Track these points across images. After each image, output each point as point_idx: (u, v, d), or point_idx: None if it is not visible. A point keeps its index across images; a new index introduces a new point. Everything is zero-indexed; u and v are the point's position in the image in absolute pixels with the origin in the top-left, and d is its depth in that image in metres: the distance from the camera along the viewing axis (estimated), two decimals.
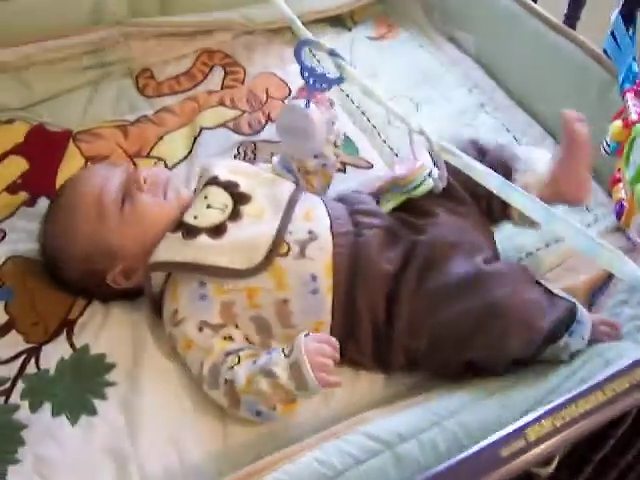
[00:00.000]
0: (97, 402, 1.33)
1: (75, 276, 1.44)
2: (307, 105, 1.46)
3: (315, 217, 1.40)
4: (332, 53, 1.36)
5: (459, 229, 1.41)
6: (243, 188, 1.42)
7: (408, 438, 1.14)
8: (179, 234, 1.35)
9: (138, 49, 1.96)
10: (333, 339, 1.25)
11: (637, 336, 1.32)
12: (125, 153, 1.74)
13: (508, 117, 1.91)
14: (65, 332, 1.43)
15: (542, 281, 1.36)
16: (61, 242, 1.42)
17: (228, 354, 1.30)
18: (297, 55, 1.43)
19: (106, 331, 1.43)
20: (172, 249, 1.36)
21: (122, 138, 1.77)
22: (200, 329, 1.33)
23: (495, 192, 1.16)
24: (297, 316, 1.34)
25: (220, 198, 1.40)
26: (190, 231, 1.35)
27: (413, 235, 1.40)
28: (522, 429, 0.87)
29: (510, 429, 0.87)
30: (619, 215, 1.53)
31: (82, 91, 1.90)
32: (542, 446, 0.86)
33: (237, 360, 1.28)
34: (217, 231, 1.35)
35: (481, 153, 1.47)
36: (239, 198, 1.40)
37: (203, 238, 1.34)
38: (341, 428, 1.20)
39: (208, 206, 1.39)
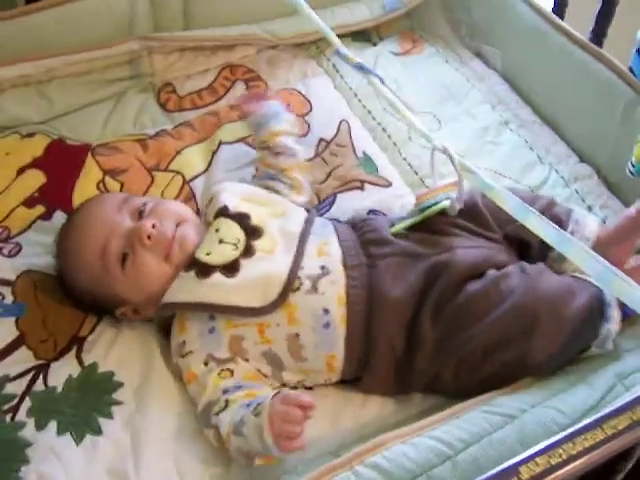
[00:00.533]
0: (103, 421, 1.33)
1: (86, 298, 1.45)
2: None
3: (328, 252, 1.39)
4: (358, 67, 1.40)
5: (482, 251, 1.40)
6: (254, 220, 1.41)
7: (418, 474, 1.12)
8: (192, 273, 1.34)
9: (160, 63, 1.95)
10: (305, 398, 1.19)
11: None
12: (143, 166, 1.74)
13: (532, 134, 1.88)
14: (75, 349, 1.43)
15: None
16: (72, 264, 1.43)
17: (225, 391, 1.29)
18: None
19: (115, 349, 1.43)
20: (186, 289, 1.35)
21: (141, 151, 1.77)
22: (206, 363, 1.32)
23: (510, 213, 1.15)
24: (309, 350, 1.33)
25: (232, 232, 1.39)
26: (203, 270, 1.34)
27: (434, 254, 1.38)
28: (515, 467, 0.84)
29: (503, 467, 0.84)
30: None
31: (103, 105, 1.90)
32: None
33: (224, 405, 1.27)
34: (231, 269, 1.34)
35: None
36: (251, 232, 1.39)
37: (217, 277, 1.33)
38: (357, 454, 1.16)
39: (220, 241, 1.38)
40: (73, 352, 1.42)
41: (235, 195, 1.46)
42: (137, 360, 1.42)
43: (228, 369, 1.32)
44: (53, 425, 1.32)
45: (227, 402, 1.27)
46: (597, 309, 1.30)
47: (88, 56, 1.86)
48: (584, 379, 1.27)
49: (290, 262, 1.35)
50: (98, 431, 1.31)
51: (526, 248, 1.44)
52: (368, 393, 1.38)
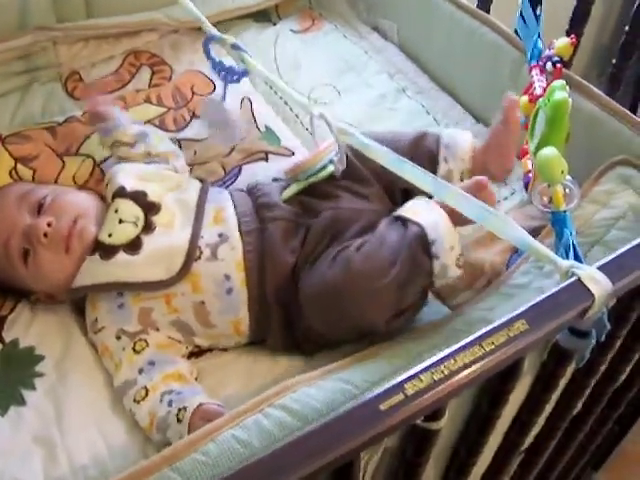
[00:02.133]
0: (26, 393, 1.37)
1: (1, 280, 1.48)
2: (223, 98, 1.51)
3: (224, 219, 1.43)
4: (235, 47, 1.41)
5: (356, 211, 1.43)
6: (151, 197, 1.44)
7: (325, 413, 1.15)
8: (97, 256, 1.38)
9: (65, 53, 1.98)
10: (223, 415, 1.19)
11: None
12: (54, 152, 1.76)
13: (429, 100, 1.96)
14: None
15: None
16: None
17: (140, 371, 1.34)
18: (205, 51, 1.47)
19: (35, 326, 1.47)
20: (92, 272, 1.39)
21: (51, 138, 1.79)
22: (118, 337, 1.37)
23: (390, 169, 1.22)
24: (215, 316, 1.38)
25: (131, 211, 1.42)
26: (107, 251, 1.38)
27: (310, 219, 1.43)
28: (401, 384, 0.90)
29: (389, 384, 0.91)
30: (527, 186, 1.58)
31: (11, 97, 1.92)
32: (420, 399, 0.90)
33: (144, 394, 1.32)
34: (133, 246, 1.38)
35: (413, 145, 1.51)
36: (149, 208, 1.42)
37: (121, 256, 1.37)
38: (265, 397, 1.20)
39: (120, 221, 1.41)
40: None
41: (130, 175, 1.49)
42: (56, 335, 1.45)
43: (142, 339, 1.37)
44: None
45: (147, 391, 1.32)
46: (419, 258, 1.29)
47: None
48: (483, 319, 1.30)
49: (189, 233, 1.40)
50: (22, 402, 1.35)
51: (408, 194, 1.45)
52: (275, 352, 1.43)
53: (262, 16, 2.24)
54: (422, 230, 1.30)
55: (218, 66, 1.51)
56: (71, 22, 1.99)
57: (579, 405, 1.41)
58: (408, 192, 1.43)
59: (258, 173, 1.69)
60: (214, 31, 1.48)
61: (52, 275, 1.42)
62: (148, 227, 1.40)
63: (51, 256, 1.40)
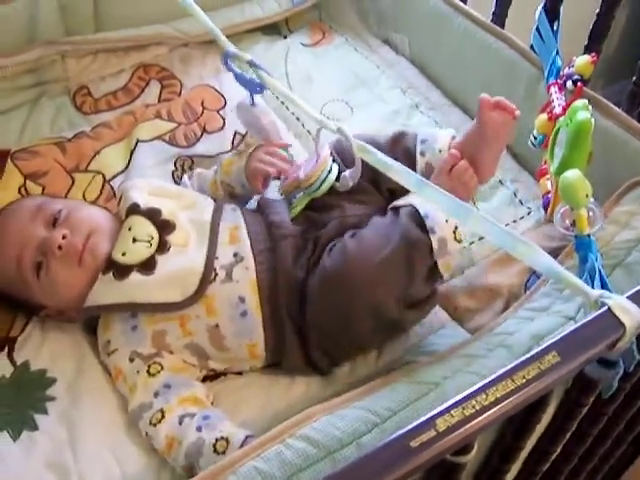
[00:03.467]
0: (38, 417, 1.35)
1: (10, 299, 1.47)
2: (252, 104, 1.56)
3: (238, 238, 1.42)
4: (251, 64, 1.40)
5: (361, 216, 1.43)
6: (165, 214, 1.42)
7: (347, 443, 1.14)
8: (110, 275, 1.36)
9: (74, 67, 1.97)
10: None
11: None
12: (64, 169, 1.75)
13: (442, 115, 1.95)
14: (6, 350, 1.44)
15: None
16: None
17: (156, 394, 1.32)
18: (226, 65, 1.47)
19: (46, 347, 1.45)
20: (105, 291, 1.37)
21: (60, 154, 1.78)
22: (131, 360, 1.35)
23: (411, 189, 1.20)
24: (229, 340, 1.36)
25: (145, 230, 1.40)
26: (121, 270, 1.36)
27: (318, 232, 1.42)
28: (432, 419, 0.89)
29: (420, 420, 0.89)
30: (546, 207, 1.56)
31: (20, 111, 1.91)
32: (452, 436, 0.88)
33: (160, 417, 1.30)
34: (147, 266, 1.36)
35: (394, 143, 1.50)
36: (163, 227, 1.40)
37: (134, 276, 1.35)
38: (285, 427, 1.18)
39: (134, 239, 1.39)
40: (5, 352, 1.43)
41: (144, 191, 1.48)
42: (69, 357, 1.43)
43: (156, 362, 1.35)
44: None
45: (163, 414, 1.30)
46: (414, 232, 1.30)
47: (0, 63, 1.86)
48: (502, 343, 1.29)
49: (204, 254, 1.38)
50: (34, 427, 1.33)
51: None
52: (292, 374, 1.41)
53: (271, 29, 2.23)
54: (412, 206, 1.33)
55: (240, 78, 1.50)
56: (80, 35, 1.98)
57: (597, 431, 1.39)
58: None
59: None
60: (231, 47, 1.46)
61: (64, 289, 1.39)
62: (163, 247, 1.38)
63: (64, 270, 1.39)
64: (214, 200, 1.52)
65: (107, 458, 1.30)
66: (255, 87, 1.51)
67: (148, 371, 1.34)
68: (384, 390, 1.25)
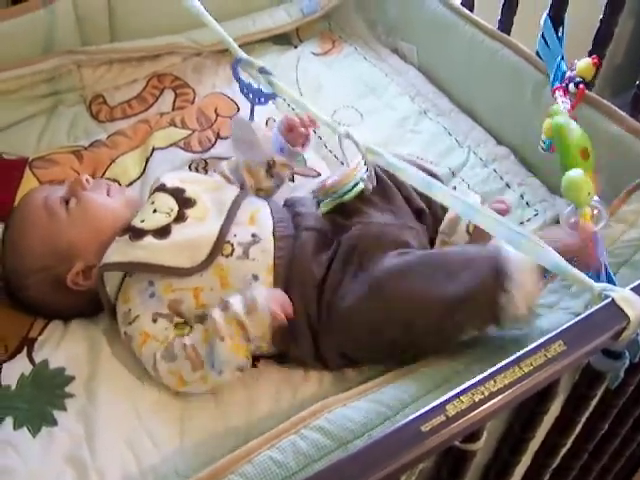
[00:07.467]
0: (57, 413, 1.37)
1: (35, 293, 1.48)
2: (251, 118, 1.52)
3: (259, 220, 1.46)
4: (262, 70, 1.43)
5: (383, 225, 1.45)
6: (189, 193, 1.47)
7: (360, 435, 1.17)
8: (126, 237, 1.41)
9: (89, 76, 2.01)
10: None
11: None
12: None
13: (451, 122, 1.97)
14: (26, 350, 1.46)
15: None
16: (17, 258, 1.47)
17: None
18: (234, 72, 1.49)
19: (64, 346, 1.47)
20: (120, 251, 1.41)
21: (77, 163, 1.81)
22: (154, 320, 1.38)
23: (419, 188, 1.23)
24: None
25: (166, 203, 1.45)
26: (137, 233, 1.41)
27: (339, 236, 1.45)
28: (442, 405, 0.91)
29: (431, 406, 0.91)
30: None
31: (37, 120, 1.94)
32: (461, 421, 0.91)
33: (189, 330, 1.37)
34: (162, 232, 1.41)
35: None
36: (184, 202, 1.46)
37: (149, 239, 1.40)
38: (301, 418, 1.21)
39: (155, 211, 1.44)
40: (24, 352, 1.46)
41: (175, 178, 1.53)
42: (85, 356, 1.45)
43: (179, 322, 1.40)
44: (9, 421, 1.35)
45: (191, 328, 1.37)
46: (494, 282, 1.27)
47: (17, 73, 1.89)
48: (504, 347, 1.29)
49: (219, 226, 1.42)
50: (53, 422, 1.35)
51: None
52: (300, 365, 1.43)
53: (282, 39, 2.27)
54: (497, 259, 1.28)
55: (246, 88, 1.52)
56: (96, 45, 2.02)
57: (606, 426, 1.41)
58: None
59: (285, 193, 1.70)
60: (243, 54, 1.49)
61: (98, 213, 1.47)
62: (180, 218, 1.43)
63: (96, 196, 1.48)
64: (240, 187, 1.56)
65: (124, 453, 1.32)
66: (260, 97, 1.53)
67: (176, 327, 1.39)
68: (396, 383, 1.27)
